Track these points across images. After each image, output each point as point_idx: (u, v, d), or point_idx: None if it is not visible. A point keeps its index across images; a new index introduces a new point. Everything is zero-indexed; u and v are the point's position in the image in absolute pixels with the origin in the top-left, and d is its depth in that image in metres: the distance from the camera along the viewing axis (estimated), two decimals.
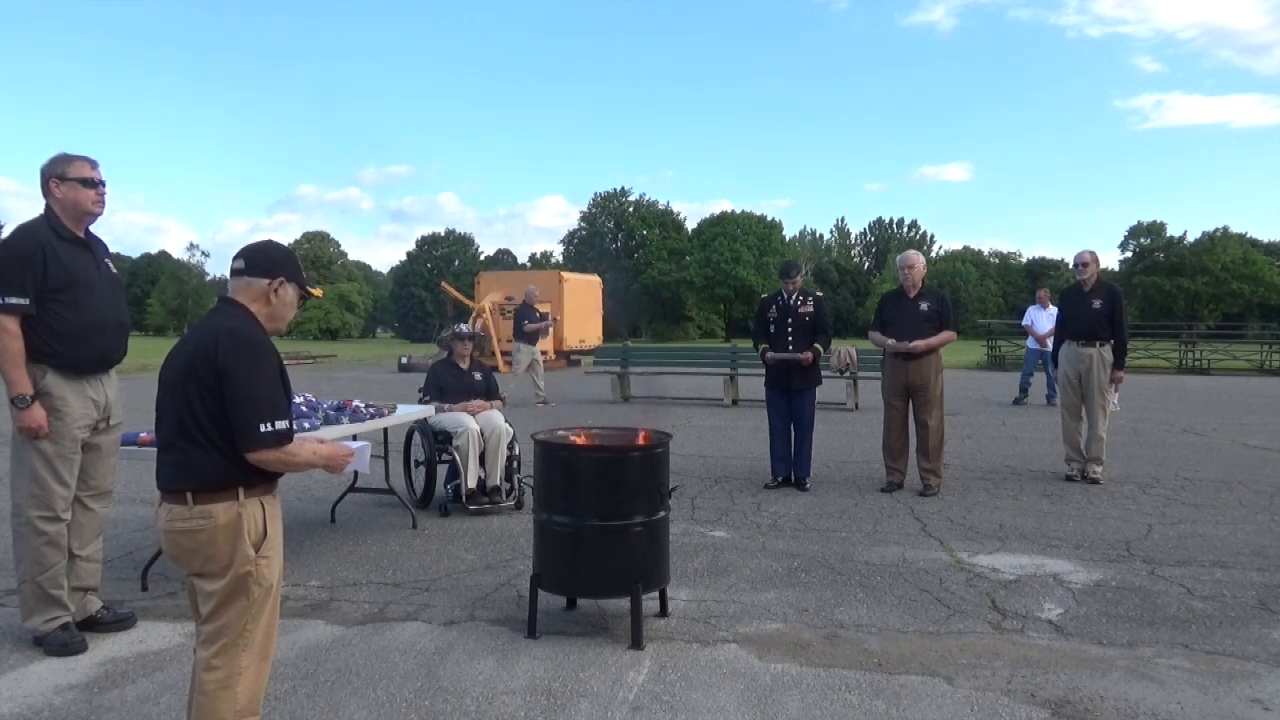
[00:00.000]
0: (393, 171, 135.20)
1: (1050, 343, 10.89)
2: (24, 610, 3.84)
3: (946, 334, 7.14)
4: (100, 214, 3.90)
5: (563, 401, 14.52)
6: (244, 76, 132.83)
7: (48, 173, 3.81)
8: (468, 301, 25.87)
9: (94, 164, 3.87)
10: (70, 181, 3.79)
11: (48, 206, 3.84)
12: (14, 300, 3.65)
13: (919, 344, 7.01)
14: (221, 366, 2.41)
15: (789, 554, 5.33)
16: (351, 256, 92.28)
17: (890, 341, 7.08)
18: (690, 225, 74.86)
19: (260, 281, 2.60)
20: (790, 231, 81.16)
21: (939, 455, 7.15)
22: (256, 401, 2.42)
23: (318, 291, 2.84)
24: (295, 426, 2.61)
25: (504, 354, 20.35)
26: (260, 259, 2.62)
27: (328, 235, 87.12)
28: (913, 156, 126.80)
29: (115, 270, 4.06)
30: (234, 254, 2.64)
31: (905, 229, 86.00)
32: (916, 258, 7.38)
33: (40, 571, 3.77)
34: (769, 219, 72.78)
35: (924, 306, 7.17)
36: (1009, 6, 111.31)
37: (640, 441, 4.17)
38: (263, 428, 2.42)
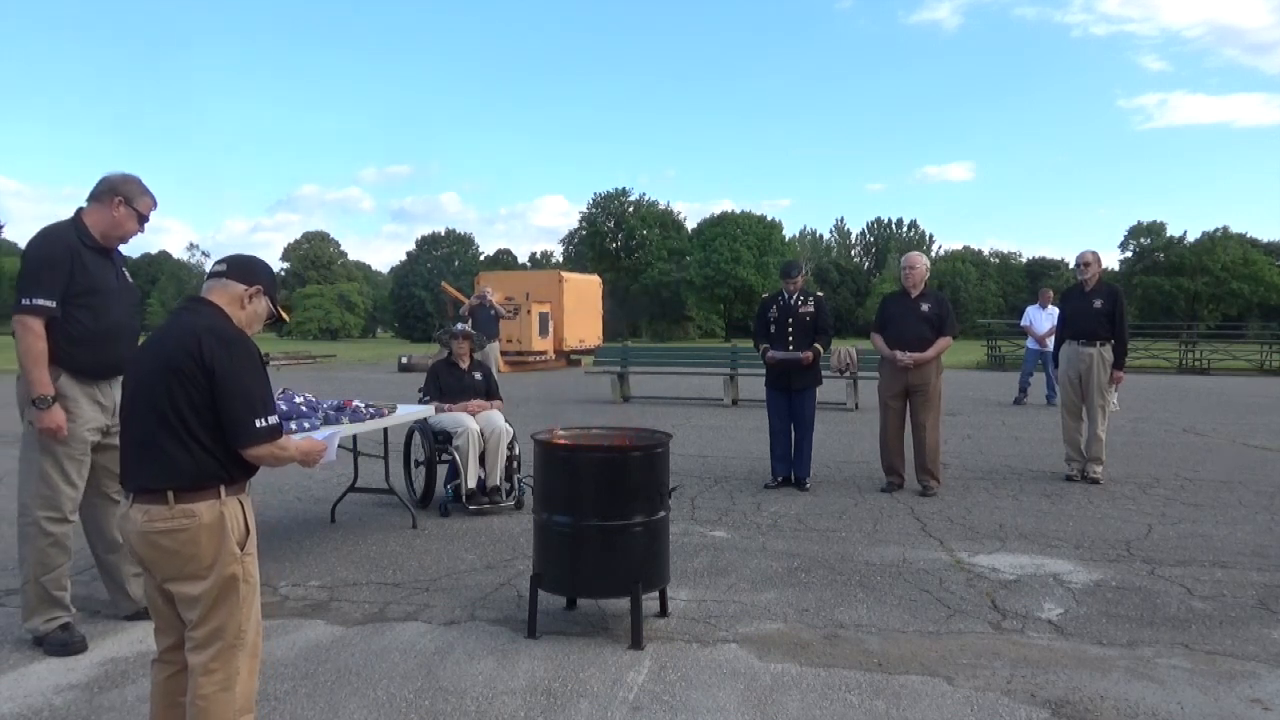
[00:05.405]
0: (393, 171, 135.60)
1: (1050, 342, 10.91)
2: (25, 610, 3.84)
3: (943, 341, 7.17)
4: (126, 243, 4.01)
5: (563, 401, 14.51)
6: (244, 76, 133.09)
7: (117, 189, 3.84)
8: (467, 301, 25.86)
9: (156, 204, 3.98)
10: (132, 209, 3.87)
11: (80, 213, 3.87)
12: (42, 302, 3.68)
13: (923, 355, 7.06)
14: (210, 365, 2.41)
15: (789, 554, 5.33)
16: (351, 256, 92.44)
17: (900, 355, 7.08)
18: (690, 225, 74.98)
19: (237, 286, 2.63)
20: (790, 231, 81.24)
21: (936, 457, 7.15)
22: (250, 398, 2.46)
23: (286, 315, 2.88)
24: (298, 425, 2.62)
25: (503, 354, 20.38)
26: (242, 266, 2.68)
27: (328, 235, 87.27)
28: (914, 156, 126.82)
29: (130, 280, 4.12)
30: (217, 259, 2.70)
31: (905, 229, 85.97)
32: (919, 258, 7.41)
33: (44, 572, 3.78)
34: (769, 219, 72.81)
35: (925, 308, 7.19)
36: (1014, 4, 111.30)
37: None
38: (258, 423, 2.46)
